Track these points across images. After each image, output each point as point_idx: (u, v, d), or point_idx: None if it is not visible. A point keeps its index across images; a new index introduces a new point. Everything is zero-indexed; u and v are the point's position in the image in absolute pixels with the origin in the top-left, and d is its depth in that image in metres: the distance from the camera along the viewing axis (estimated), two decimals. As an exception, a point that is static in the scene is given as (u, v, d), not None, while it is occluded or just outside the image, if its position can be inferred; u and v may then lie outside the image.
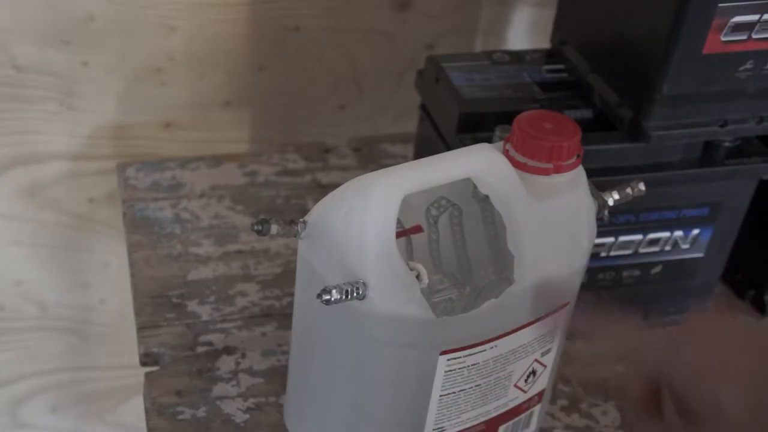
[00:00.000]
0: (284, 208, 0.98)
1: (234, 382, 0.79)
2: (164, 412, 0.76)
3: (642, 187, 0.68)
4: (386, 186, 0.58)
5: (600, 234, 0.80)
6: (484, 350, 0.63)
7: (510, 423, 0.70)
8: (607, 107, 0.78)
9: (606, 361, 0.84)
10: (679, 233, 0.83)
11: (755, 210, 0.84)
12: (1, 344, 1.20)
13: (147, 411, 0.77)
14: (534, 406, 0.71)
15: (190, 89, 1.08)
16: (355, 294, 0.57)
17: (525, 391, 0.69)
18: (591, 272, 0.83)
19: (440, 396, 0.64)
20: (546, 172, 0.62)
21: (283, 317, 0.86)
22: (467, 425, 0.67)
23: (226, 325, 0.85)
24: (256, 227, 0.59)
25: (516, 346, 0.65)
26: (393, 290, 0.58)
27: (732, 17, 0.70)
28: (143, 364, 0.81)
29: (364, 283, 0.57)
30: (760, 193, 0.83)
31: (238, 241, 0.94)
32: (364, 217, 0.57)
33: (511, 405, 0.69)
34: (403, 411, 0.65)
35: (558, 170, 0.63)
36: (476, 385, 0.65)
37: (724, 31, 0.71)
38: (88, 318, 1.21)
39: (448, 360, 0.62)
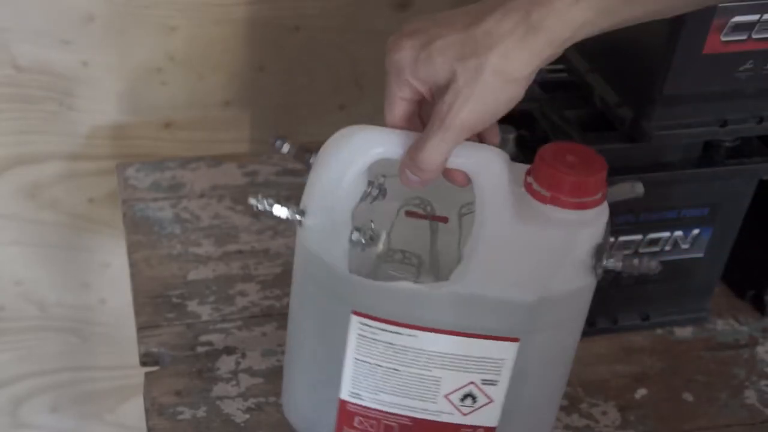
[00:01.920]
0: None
1: (234, 382, 0.79)
2: (164, 412, 0.76)
3: (653, 264, 0.63)
4: (365, 137, 0.61)
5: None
6: (401, 334, 0.63)
7: None
8: (607, 107, 0.78)
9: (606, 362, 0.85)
10: (679, 233, 0.83)
11: (755, 210, 0.84)
12: (1, 344, 1.20)
13: (147, 411, 0.77)
14: None
15: (190, 89, 1.08)
16: (295, 213, 0.62)
17: (463, 414, 0.67)
18: (591, 272, 0.83)
19: (355, 359, 0.65)
20: (565, 205, 0.60)
21: (283, 317, 0.85)
22: (389, 409, 0.67)
23: (226, 325, 0.85)
24: (275, 141, 0.66)
25: (444, 350, 0.64)
26: (324, 230, 0.61)
27: (732, 17, 0.70)
28: (143, 364, 0.81)
29: (303, 211, 0.61)
30: (760, 193, 0.83)
31: (238, 241, 0.94)
32: (337, 154, 0.61)
33: (445, 419, 0.67)
34: (326, 362, 0.67)
35: (578, 206, 0.60)
36: (394, 369, 0.65)
37: (724, 31, 0.71)
38: (88, 318, 1.21)
39: (361, 324, 0.63)
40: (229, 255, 0.92)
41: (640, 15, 0.56)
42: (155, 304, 0.86)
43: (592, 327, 0.87)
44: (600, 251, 0.61)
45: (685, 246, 0.84)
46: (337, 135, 0.62)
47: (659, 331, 0.88)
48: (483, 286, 0.61)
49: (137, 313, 0.86)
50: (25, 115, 1.05)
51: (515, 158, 0.76)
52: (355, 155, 0.60)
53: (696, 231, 0.83)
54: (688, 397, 0.82)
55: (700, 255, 0.85)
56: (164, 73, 1.06)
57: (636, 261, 0.62)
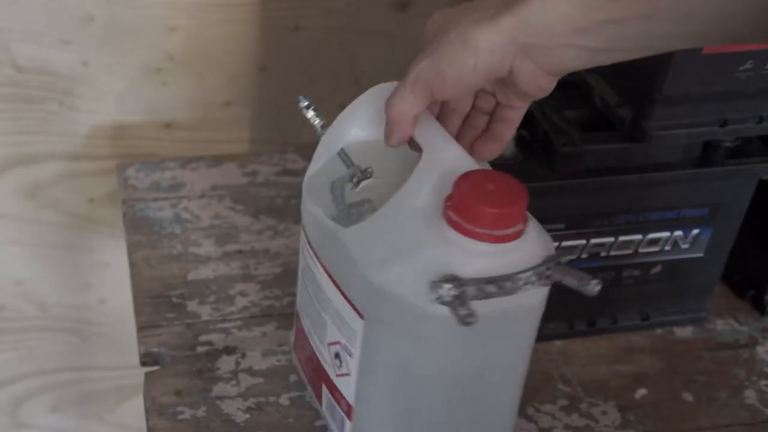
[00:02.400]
0: (284, 208, 0.98)
1: (234, 382, 0.79)
2: (164, 412, 0.76)
3: (592, 288, 0.59)
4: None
5: (600, 234, 0.81)
6: (315, 267, 0.67)
7: (331, 398, 0.70)
8: (607, 107, 0.78)
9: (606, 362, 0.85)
10: (679, 233, 0.83)
11: (755, 210, 0.84)
12: (1, 344, 1.20)
13: (147, 411, 0.77)
14: (344, 415, 0.69)
15: (190, 89, 1.08)
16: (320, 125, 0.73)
17: (336, 373, 0.68)
18: (591, 272, 0.83)
19: (302, 279, 0.71)
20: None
21: (283, 317, 0.86)
22: (309, 338, 0.72)
23: (226, 325, 0.85)
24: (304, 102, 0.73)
25: (329, 296, 0.65)
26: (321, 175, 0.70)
27: (732, 17, 0.70)
28: (143, 364, 0.81)
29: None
30: (760, 193, 0.83)
31: (238, 241, 0.94)
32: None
33: (328, 371, 0.69)
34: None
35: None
36: (310, 297, 0.69)
37: (724, 31, 0.71)
38: (88, 318, 1.21)
39: (306, 243, 0.68)
40: (229, 255, 0.92)
41: (621, 16, 0.54)
42: (155, 304, 0.86)
43: (592, 327, 0.87)
44: (461, 296, 0.56)
45: (685, 246, 0.84)
46: (369, 91, 0.67)
47: (659, 331, 0.88)
48: (357, 247, 0.61)
49: (137, 313, 0.86)
50: (25, 115, 1.05)
51: (515, 158, 0.77)
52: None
53: (696, 231, 0.83)
54: (688, 397, 0.82)
55: (700, 255, 0.85)
56: (164, 73, 1.06)
57: (575, 279, 0.58)
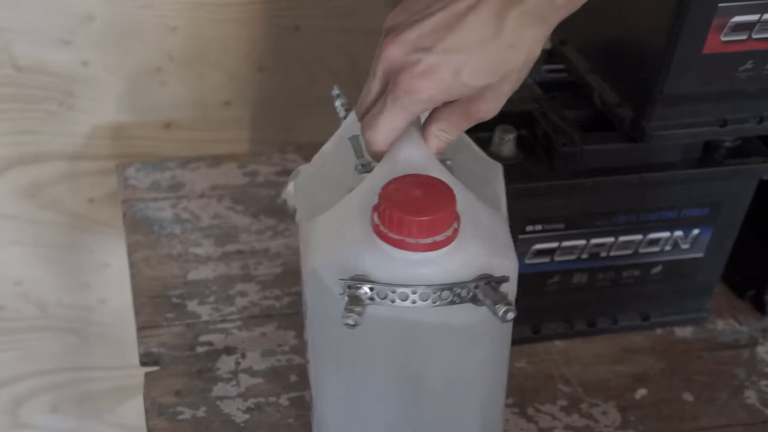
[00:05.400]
0: (284, 208, 0.98)
1: (234, 382, 0.79)
2: (164, 412, 0.76)
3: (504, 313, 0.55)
4: None
5: (600, 234, 0.81)
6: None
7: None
8: (607, 107, 0.78)
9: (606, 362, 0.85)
10: (679, 233, 0.83)
11: (755, 210, 0.84)
12: (1, 344, 1.20)
13: (147, 411, 0.77)
14: (311, 403, 0.69)
15: (190, 89, 1.08)
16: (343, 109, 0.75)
17: (306, 359, 0.69)
18: (591, 272, 0.83)
19: None
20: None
21: (283, 317, 0.86)
22: None
23: (226, 325, 0.85)
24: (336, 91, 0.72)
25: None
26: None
27: (732, 17, 0.70)
28: (143, 364, 0.81)
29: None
30: (760, 193, 0.83)
31: (238, 241, 0.94)
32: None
33: None
34: None
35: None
36: None
37: (724, 31, 0.71)
38: (88, 318, 1.21)
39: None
40: (229, 255, 0.92)
41: None
42: (155, 304, 0.86)
43: (592, 327, 0.87)
44: (355, 296, 0.55)
45: (685, 246, 0.84)
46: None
47: (659, 331, 0.88)
48: (315, 232, 0.60)
49: (137, 313, 0.86)
50: (25, 115, 1.05)
51: (515, 158, 0.77)
52: None
53: (696, 231, 0.83)
54: (688, 397, 0.82)
55: (700, 255, 0.85)
56: (164, 73, 1.06)
57: (491, 302, 0.55)
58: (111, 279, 1.18)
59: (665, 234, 0.83)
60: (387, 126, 0.58)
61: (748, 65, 0.73)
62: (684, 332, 0.89)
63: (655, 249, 0.83)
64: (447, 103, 0.59)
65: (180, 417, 0.76)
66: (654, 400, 0.81)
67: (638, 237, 0.82)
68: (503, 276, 0.56)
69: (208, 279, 0.89)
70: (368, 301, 0.55)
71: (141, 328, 0.84)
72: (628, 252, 0.83)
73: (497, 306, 0.54)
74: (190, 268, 0.90)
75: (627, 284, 0.85)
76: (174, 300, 0.87)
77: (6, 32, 0.99)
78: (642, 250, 0.83)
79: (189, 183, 1.01)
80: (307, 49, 1.09)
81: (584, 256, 0.82)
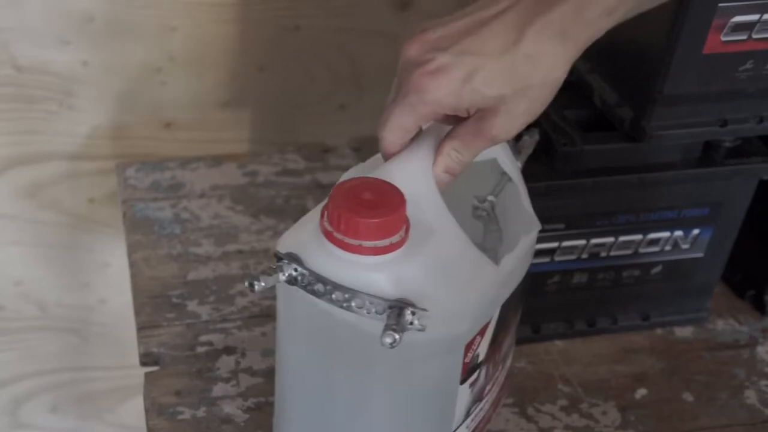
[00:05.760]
0: (284, 208, 0.98)
1: (234, 382, 0.79)
2: (164, 412, 0.76)
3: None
4: None
5: (600, 234, 0.81)
6: None
7: None
8: (607, 107, 0.78)
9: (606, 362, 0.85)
10: (679, 233, 0.83)
11: (755, 210, 0.84)
12: (1, 344, 1.20)
13: (147, 411, 0.77)
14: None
15: (190, 89, 1.08)
16: None
17: None
18: (591, 272, 0.83)
19: None
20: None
21: (283, 317, 0.86)
22: None
23: (226, 325, 0.85)
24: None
25: None
26: None
27: (732, 17, 0.70)
28: (143, 364, 0.81)
29: None
30: (760, 193, 0.83)
31: (238, 241, 0.94)
32: None
33: None
34: None
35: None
36: None
37: (724, 31, 0.71)
38: (88, 318, 1.21)
39: None
40: (229, 255, 0.92)
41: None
42: (155, 304, 0.86)
43: (592, 327, 0.87)
44: (275, 269, 0.56)
45: (685, 246, 0.84)
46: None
47: (659, 331, 0.88)
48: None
49: (137, 313, 0.86)
50: (25, 115, 1.05)
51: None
52: None
53: (696, 231, 0.83)
54: (688, 397, 0.82)
55: (700, 255, 0.85)
56: (164, 73, 1.06)
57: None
58: (111, 279, 1.18)
59: (665, 234, 0.83)
60: (394, 124, 0.58)
61: (748, 65, 0.73)
62: (684, 332, 0.89)
63: (655, 249, 0.83)
64: (461, 121, 0.58)
65: (180, 417, 0.76)
66: (654, 400, 0.81)
67: (638, 237, 0.82)
68: (423, 309, 0.54)
69: (208, 279, 0.89)
70: (293, 284, 0.56)
71: (141, 328, 0.84)
72: (628, 252, 0.83)
73: (385, 329, 0.52)
74: (190, 268, 0.90)
75: (627, 284, 0.85)
76: (174, 300, 0.87)
77: (6, 32, 0.99)
78: (642, 250, 0.83)
79: (189, 183, 1.01)
80: (307, 49, 1.09)
81: (584, 256, 0.82)
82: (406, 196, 0.56)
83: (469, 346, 0.59)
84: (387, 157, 0.59)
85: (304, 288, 0.56)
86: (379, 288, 0.54)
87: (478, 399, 0.64)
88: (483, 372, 0.63)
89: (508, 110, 0.56)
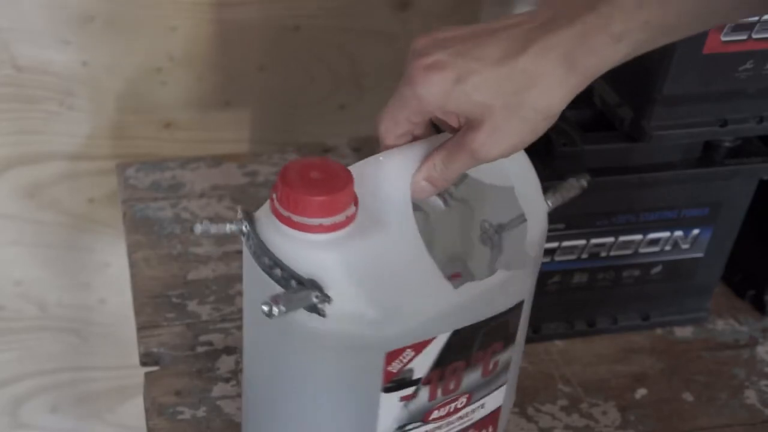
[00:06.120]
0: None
1: (234, 382, 0.79)
2: (164, 412, 0.76)
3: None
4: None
5: (600, 234, 0.81)
6: None
7: None
8: (607, 107, 0.78)
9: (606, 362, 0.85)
10: (679, 233, 0.83)
11: (755, 210, 0.84)
12: (1, 344, 1.20)
13: (147, 411, 0.77)
14: None
15: (190, 89, 1.08)
16: None
17: None
18: (591, 272, 0.83)
19: None
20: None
21: (283, 317, 0.85)
22: None
23: (226, 325, 0.85)
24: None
25: None
26: None
27: (732, 17, 0.70)
28: (143, 364, 0.81)
29: None
30: (760, 193, 0.83)
31: (238, 241, 0.93)
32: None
33: None
34: None
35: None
36: None
37: (724, 31, 0.71)
38: (88, 318, 1.21)
39: None
40: (229, 255, 0.92)
41: (676, 39, 0.56)
42: (155, 304, 0.86)
43: (592, 327, 0.87)
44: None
45: (685, 246, 0.84)
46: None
47: (659, 331, 0.88)
48: None
49: (137, 313, 0.86)
50: (25, 115, 1.05)
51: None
52: None
53: (696, 231, 0.83)
54: (688, 397, 0.82)
55: (700, 255, 0.85)
56: (164, 73, 1.06)
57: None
58: (111, 279, 1.18)
59: (665, 234, 0.83)
60: (387, 113, 0.58)
61: (748, 65, 0.73)
62: (684, 332, 0.89)
63: (655, 249, 0.83)
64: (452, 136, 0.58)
65: (180, 417, 0.76)
66: (654, 400, 0.82)
67: (638, 237, 0.82)
68: (326, 296, 0.54)
69: (208, 279, 0.89)
70: (240, 236, 0.59)
71: (141, 328, 0.84)
72: (628, 252, 0.83)
73: (271, 298, 0.53)
74: (190, 268, 0.90)
75: (627, 284, 0.85)
76: (174, 300, 0.87)
77: (6, 32, 0.99)
78: (642, 250, 0.83)
79: (189, 183, 1.01)
80: (307, 49, 1.09)
81: (584, 256, 0.82)
82: (377, 191, 0.57)
83: (394, 355, 0.58)
84: (382, 147, 0.60)
85: (249, 249, 0.58)
86: (306, 265, 0.55)
87: (419, 420, 0.63)
88: (425, 393, 0.62)
89: (493, 125, 0.54)
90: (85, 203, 1.13)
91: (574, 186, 0.66)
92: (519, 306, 0.63)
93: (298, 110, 1.14)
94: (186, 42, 1.04)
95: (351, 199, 0.56)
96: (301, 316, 0.56)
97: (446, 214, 0.67)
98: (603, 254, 0.82)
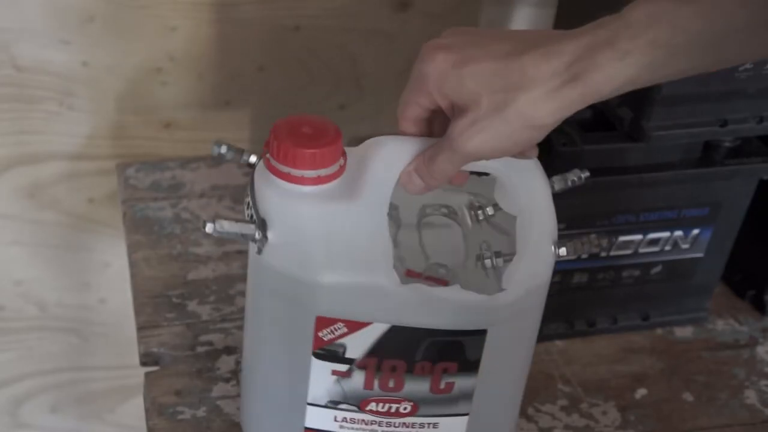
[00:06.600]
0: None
1: (234, 382, 0.79)
2: (164, 412, 0.76)
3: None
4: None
5: (600, 234, 0.81)
6: None
7: None
8: (607, 107, 0.78)
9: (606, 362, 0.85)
10: (679, 233, 0.83)
11: (755, 210, 0.84)
12: (1, 344, 1.20)
13: (147, 411, 0.77)
14: None
15: (190, 89, 1.08)
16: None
17: None
18: (591, 272, 0.83)
19: None
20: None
21: (283, 317, 0.85)
22: None
23: (226, 325, 0.85)
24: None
25: None
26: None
27: (732, 17, 0.70)
28: (143, 364, 0.81)
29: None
30: (760, 193, 0.83)
31: (238, 241, 0.94)
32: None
33: None
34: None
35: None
36: None
37: (724, 31, 0.70)
38: (88, 318, 1.21)
39: None
40: (229, 255, 0.92)
41: (684, 70, 0.54)
42: (155, 304, 0.86)
43: (592, 327, 0.87)
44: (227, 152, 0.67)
45: (685, 246, 0.84)
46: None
47: (659, 331, 0.88)
48: None
49: (137, 313, 0.86)
50: (25, 115, 1.05)
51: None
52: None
53: (696, 231, 0.84)
54: (688, 397, 0.82)
55: (700, 255, 0.85)
56: (164, 73, 1.06)
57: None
58: (111, 279, 1.18)
59: (665, 234, 0.83)
60: (403, 95, 0.59)
61: (748, 65, 0.73)
62: (684, 332, 0.89)
63: (655, 249, 0.83)
64: None
65: (180, 417, 0.76)
66: (654, 400, 0.82)
67: (638, 237, 0.82)
68: (265, 237, 0.59)
69: (208, 279, 0.89)
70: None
71: (141, 328, 0.84)
72: (628, 252, 0.83)
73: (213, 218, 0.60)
74: (190, 268, 0.90)
75: (627, 284, 0.85)
76: (174, 300, 0.87)
77: (6, 32, 0.99)
78: (642, 250, 0.83)
79: (189, 183, 1.01)
80: (307, 49, 1.09)
81: (584, 255, 0.82)
82: (368, 166, 0.59)
83: (325, 323, 0.60)
84: (399, 128, 0.61)
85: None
86: (276, 209, 0.60)
87: (355, 405, 0.64)
88: (359, 377, 0.62)
89: (475, 117, 0.54)
90: (85, 203, 1.13)
91: (579, 175, 0.66)
92: (479, 333, 0.61)
93: (298, 110, 1.13)
94: (186, 42, 1.04)
95: (330, 159, 0.59)
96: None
97: (474, 232, 0.67)
98: (603, 254, 0.82)
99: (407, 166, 0.60)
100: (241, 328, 0.84)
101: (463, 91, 0.55)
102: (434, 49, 0.56)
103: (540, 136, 0.55)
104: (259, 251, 0.60)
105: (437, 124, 0.60)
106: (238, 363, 0.81)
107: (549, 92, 0.53)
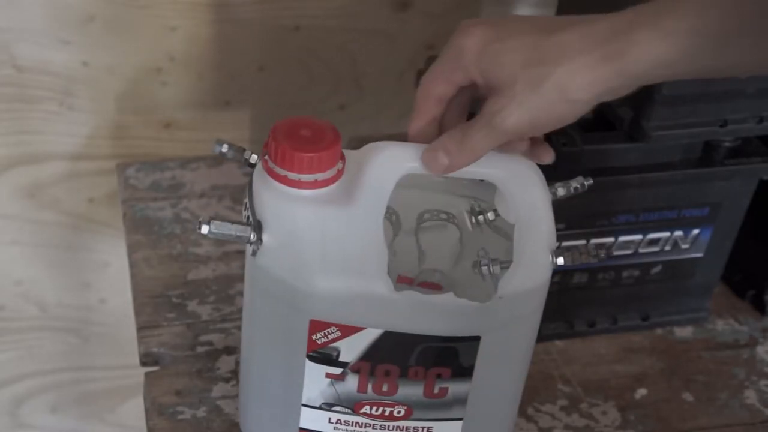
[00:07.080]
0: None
1: (234, 382, 0.79)
2: (164, 412, 0.76)
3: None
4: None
5: (600, 234, 0.81)
6: None
7: None
8: (607, 107, 0.78)
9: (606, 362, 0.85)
10: (679, 233, 0.83)
11: (755, 210, 0.84)
12: (1, 344, 1.20)
13: (147, 411, 0.77)
14: None
15: (190, 89, 1.08)
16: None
17: None
18: (591, 272, 0.83)
19: None
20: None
21: (283, 317, 0.85)
22: None
23: (226, 325, 0.85)
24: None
25: None
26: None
27: (732, 17, 0.70)
28: (143, 364, 0.81)
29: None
30: (760, 193, 0.83)
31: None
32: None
33: None
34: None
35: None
36: None
37: (724, 31, 0.70)
38: (88, 318, 1.21)
39: None
40: (229, 255, 0.92)
41: (728, 65, 0.52)
42: (155, 304, 0.86)
43: (592, 327, 0.87)
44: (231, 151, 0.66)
45: (685, 246, 0.84)
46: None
47: (659, 331, 0.88)
48: None
49: (137, 313, 0.86)
50: (25, 115, 1.05)
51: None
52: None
53: (696, 231, 0.83)
54: (688, 397, 0.82)
55: (700, 255, 0.85)
56: (164, 73, 1.06)
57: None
58: (111, 279, 1.18)
59: (665, 234, 0.83)
60: (430, 70, 0.58)
61: (748, 65, 0.73)
62: (684, 332, 0.89)
63: (655, 249, 0.83)
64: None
65: (180, 417, 0.76)
66: (654, 400, 0.82)
67: (638, 237, 0.82)
68: (260, 239, 0.59)
69: (208, 279, 0.89)
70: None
71: (141, 328, 0.84)
72: (628, 252, 0.83)
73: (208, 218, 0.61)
74: (190, 268, 0.90)
75: (627, 284, 0.85)
76: (174, 300, 0.87)
77: (6, 32, 0.99)
78: (642, 250, 0.83)
79: (189, 183, 1.01)
80: (307, 49, 1.09)
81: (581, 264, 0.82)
82: (367, 170, 0.59)
83: (318, 326, 0.60)
84: (414, 112, 0.60)
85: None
86: (273, 212, 0.59)
87: (349, 408, 0.64)
88: (353, 380, 0.63)
89: (512, 93, 0.54)
90: (85, 203, 1.13)
91: (582, 182, 0.66)
92: (473, 340, 0.61)
93: (298, 110, 1.13)
94: (186, 42, 1.04)
95: (327, 164, 0.59)
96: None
97: (475, 235, 0.67)
98: (603, 254, 0.82)
99: (431, 145, 0.58)
100: (240, 328, 0.84)
101: (501, 66, 0.55)
102: (472, 25, 0.56)
103: (576, 111, 0.55)
104: (254, 253, 0.60)
105: (449, 111, 0.60)
106: (238, 363, 0.81)
107: (585, 66, 0.53)
